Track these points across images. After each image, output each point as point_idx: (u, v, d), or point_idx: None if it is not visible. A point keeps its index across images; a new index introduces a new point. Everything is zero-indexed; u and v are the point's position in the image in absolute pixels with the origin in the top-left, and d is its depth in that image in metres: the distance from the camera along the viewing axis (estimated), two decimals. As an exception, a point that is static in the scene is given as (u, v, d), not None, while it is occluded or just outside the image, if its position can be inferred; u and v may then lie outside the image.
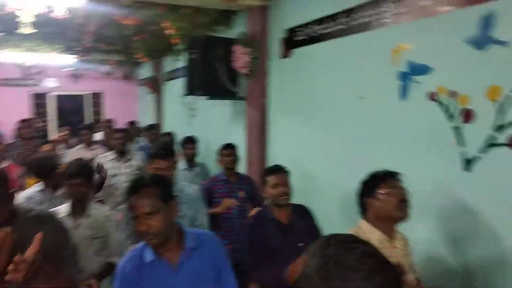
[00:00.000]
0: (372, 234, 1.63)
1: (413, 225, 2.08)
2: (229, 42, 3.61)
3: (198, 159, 4.13)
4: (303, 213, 2.19)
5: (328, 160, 2.81)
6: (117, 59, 6.76)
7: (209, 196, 3.00)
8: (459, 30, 1.84)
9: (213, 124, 4.63)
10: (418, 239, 2.07)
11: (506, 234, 1.71)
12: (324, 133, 2.85)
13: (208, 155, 4.29)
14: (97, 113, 8.94)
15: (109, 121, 6.41)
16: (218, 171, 3.19)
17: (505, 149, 1.69)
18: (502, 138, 1.70)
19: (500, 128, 1.70)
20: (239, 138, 3.78)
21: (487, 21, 1.73)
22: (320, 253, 0.79)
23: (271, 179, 2.16)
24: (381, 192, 1.65)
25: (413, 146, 2.13)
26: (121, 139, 3.79)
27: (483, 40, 1.75)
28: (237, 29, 3.72)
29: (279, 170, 2.22)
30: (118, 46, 5.58)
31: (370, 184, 1.71)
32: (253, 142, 3.64)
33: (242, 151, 3.67)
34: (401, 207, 1.63)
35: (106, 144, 4.83)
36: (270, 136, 3.56)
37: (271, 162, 3.54)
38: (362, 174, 1.75)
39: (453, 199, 1.92)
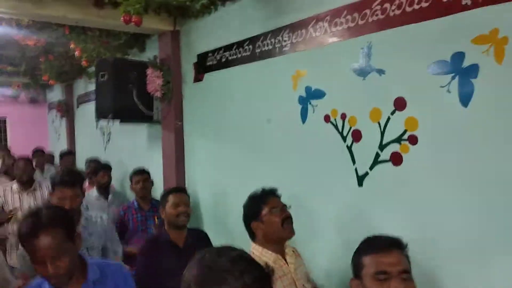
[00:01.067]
0: (265, 257, 1.66)
1: (317, 238, 2.24)
2: (142, 65, 3.58)
3: (116, 187, 3.98)
4: (200, 237, 2.22)
5: (241, 180, 2.89)
6: (22, 82, 6.28)
7: (123, 226, 2.91)
8: (346, 59, 2.05)
9: (129, 149, 4.49)
10: (322, 250, 2.22)
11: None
12: (236, 154, 2.92)
13: (125, 182, 4.14)
14: (-1, 140, 8.17)
15: (6, 148, 5.89)
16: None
17: (388, 165, 1.89)
18: (385, 155, 1.91)
19: (383, 146, 1.91)
20: (156, 162, 3.72)
21: (367, 52, 1.96)
22: (196, 263, 0.85)
23: (171, 198, 2.19)
24: (263, 214, 1.69)
25: (315, 165, 2.29)
26: (24, 168, 3.51)
27: (364, 68, 1.97)
28: (149, 53, 3.70)
29: (180, 190, 2.27)
30: (22, 67, 5.19)
31: (252, 207, 1.74)
32: (170, 166, 3.60)
33: (159, 176, 3.62)
34: (286, 224, 1.69)
35: (9, 173, 4.43)
36: (187, 159, 3.55)
37: (189, 185, 3.53)
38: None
39: (350, 212, 2.10)
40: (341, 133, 2.12)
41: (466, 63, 1.59)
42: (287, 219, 1.71)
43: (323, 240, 2.23)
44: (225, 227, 3.02)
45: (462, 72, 1.60)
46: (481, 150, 1.56)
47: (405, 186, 1.83)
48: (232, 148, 2.97)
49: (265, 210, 1.69)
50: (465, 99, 1.59)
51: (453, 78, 1.63)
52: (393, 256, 1.14)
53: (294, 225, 1.75)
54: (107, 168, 3.69)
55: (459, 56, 1.61)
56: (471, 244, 1.59)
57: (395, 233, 1.84)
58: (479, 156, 1.56)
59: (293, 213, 1.88)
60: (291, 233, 1.72)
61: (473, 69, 1.56)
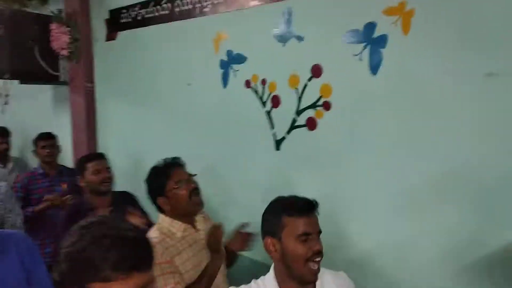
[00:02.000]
0: (174, 228, 1.63)
1: (237, 202, 2.29)
2: (44, 19, 3.20)
3: (16, 153, 3.60)
4: (126, 200, 2.14)
5: (160, 147, 2.80)
6: None
7: (27, 193, 2.66)
8: (267, 24, 2.05)
9: (31, 112, 4.06)
10: (242, 214, 2.27)
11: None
12: (154, 120, 2.81)
13: (27, 148, 3.76)
14: None
15: None
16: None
17: (304, 129, 1.98)
18: (301, 120, 1.98)
19: (300, 111, 1.99)
20: (64, 127, 3.43)
21: (287, 18, 1.98)
22: (68, 238, 0.81)
23: (91, 166, 2.08)
24: (169, 189, 1.60)
25: (236, 130, 2.30)
26: None
27: (284, 34, 1.99)
28: (53, 6, 3.31)
29: (99, 156, 2.16)
30: None
31: (156, 183, 1.64)
32: (80, 131, 3.34)
33: (67, 142, 3.35)
34: (193, 196, 1.62)
35: None
36: (99, 124, 3.33)
37: (103, 151, 3.32)
38: (190, 160, 1.79)
39: (269, 175, 2.17)
40: (261, 99, 2.14)
41: (376, 33, 1.69)
42: (194, 191, 1.64)
43: (243, 204, 2.28)
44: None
45: (373, 41, 1.70)
46: (388, 115, 1.69)
47: (319, 150, 1.93)
48: (150, 113, 2.85)
49: (170, 185, 1.60)
50: (374, 67, 1.70)
51: (365, 47, 1.73)
52: (314, 218, 1.20)
53: (215, 189, 1.75)
54: (4, 133, 3.31)
55: (370, 26, 1.70)
56: (381, 202, 1.74)
57: (310, 193, 1.96)
58: (386, 121, 1.70)
59: (214, 178, 1.89)
60: (200, 205, 1.67)
61: (383, 39, 1.67)
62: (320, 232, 1.21)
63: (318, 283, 1.24)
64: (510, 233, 1.40)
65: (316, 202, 1.23)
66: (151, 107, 2.83)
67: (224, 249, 1.71)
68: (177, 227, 1.63)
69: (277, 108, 2.08)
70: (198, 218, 1.74)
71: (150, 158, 2.87)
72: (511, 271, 1.41)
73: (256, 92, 2.16)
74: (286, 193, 2.05)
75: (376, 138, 1.73)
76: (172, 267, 1.53)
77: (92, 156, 2.20)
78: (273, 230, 1.21)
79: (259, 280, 1.28)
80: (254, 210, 2.22)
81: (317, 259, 1.17)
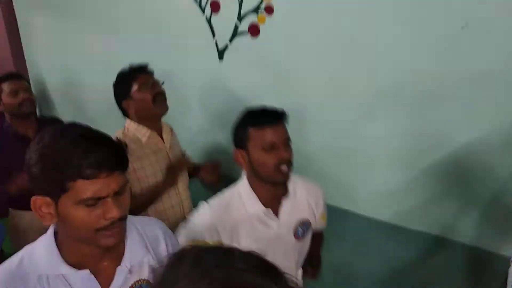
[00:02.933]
0: (139, 132, 1.65)
1: (182, 113, 2.26)
2: None
3: None
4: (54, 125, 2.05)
5: (96, 63, 2.61)
6: None
7: None
8: None
9: None
10: (189, 125, 2.27)
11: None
12: (87, 34, 2.58)
13: None
14: None
15: None
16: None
17: (246, 37, 1.90)
18: (244, 26, 1.90)
19: (241, 17, 1.89)
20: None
21: None
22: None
23: (6, 87, 1.94)
24: (133, 92, 1.61)
25: (175, 39, 2.17)
26: None
27: None
28: None
29: (13, 76, 2.01)
30: None
31: (121, 86, 1.64)
32: (2, 49, 3.01)
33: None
34: (158, 101, 1.64)
35: None
36: (25, 40, 3.00)
37: (32, 70, 3.06)
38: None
39: (213, 86, 2.12)
40: (199, 4, 2.00)
41: None
42: (159, 95, 1.65)
43: (191, 115, 2.26)
44: (84, 113, 2.81)
45: None
46: (334, 20, 1.65)
47: (263, 57, 1.89)
48: (82, 27, 2.59)
49: (134, 88, 1.61)
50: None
51: None
52: (280, 128, 1.20)
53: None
54: None
55: None
56: (332, 110, 1.78)
57: (256, 101, 1.96)
58: (330, 25, 1.66)
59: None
60: (164, 108, 1.68)
61: None
62: (288, 139, 1.22)
63: (290, 186, 1.28)
64: (460, 136, 1.48)
65: (283, 112, 1.23)
66: (82, 21, 2.57)
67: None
68: (142, 132, 1.65)
69: (217, 14, 1.96)
70: (166, 129, 1.76)
71: (84, 75, 2.72)
72: (463, 172, 1.52)
73: (194, -3, 2.00)
74: (229, 105, 2.07)
75: (323, 45, 1.69)
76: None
77: (6, 76, 2.00)
78: (241, 142, 1.22)
79: (232, 189, 1.30)
80: (202, 123, 2.24)
81: (287, 167, 1.19)
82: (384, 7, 1.50)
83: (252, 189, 1.26)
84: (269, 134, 1.18)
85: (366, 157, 1.72)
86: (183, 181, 1.81)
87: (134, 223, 0.96)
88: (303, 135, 1.86)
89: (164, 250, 0.99)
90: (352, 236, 1.88)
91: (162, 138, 1.73)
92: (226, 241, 1.22)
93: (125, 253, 0.91)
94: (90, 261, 0.86)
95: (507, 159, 1.41)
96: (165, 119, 1.80)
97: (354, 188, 1.81)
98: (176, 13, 2.11)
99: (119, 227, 0.83)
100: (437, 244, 1.65)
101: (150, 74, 1.68)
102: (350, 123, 1.72)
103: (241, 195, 1.26)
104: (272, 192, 1.26)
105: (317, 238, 1.51)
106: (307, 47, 1.74)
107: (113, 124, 1.72)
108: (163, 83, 1.70)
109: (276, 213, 1.28)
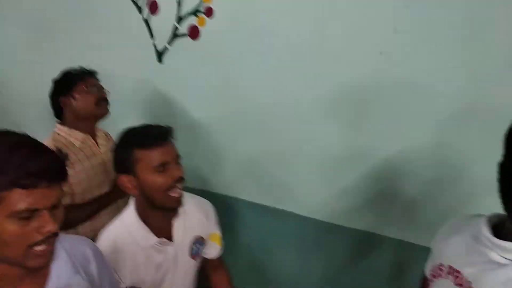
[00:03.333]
0: (72, 137, 1.59)
1: (121, 119, 2.16)
2: None
3: None
4: None
5: (20, 64, 2.42)
6: None
7: None
8: None
9: None
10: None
11: (199, 120, 2.01)
12: (18, 39, 2.38)
13: None
14: None
15: None
16: None
17: (186, 39, 1.86)
18: (183, 28, 1.86)
19: (181, 19, 1.84)
20: None
21: None
22: None
23: None
24: (77, 90, 1.57)
25: (112, 39, 2.07)
26: None
27: None
28: None
29: None
30: None
31: (65, 82, 1.59)
32: None
33: None
34: (100, 104, 1.61)
35: None
36: None
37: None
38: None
39: (151, 89, 2.05)
40: (136, 4, 1.93)
41: None
42: (103, 99, 1.62)
43: (130, 120, 2.16)
44: (8, 117, 2.60)
45: None
46: (270, 23, 1.66)
47: (204, 59, 1.86)
48: (7, 27, 2.39)
49: (80, 86, 1.56)
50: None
51: None
52: (169, 145, 1.14)
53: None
54: None
55: None
56: (271, 114, 1.79)
57: (199, 106, 1.93)
58: (270, 28, 1.67)
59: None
60: (105, 110, 1.63)
61: None
62: (178, 156, 1.16)
63: (180, 208, 1.22)
64: (389, 146, 1.55)
65: (169, 129, 1.17)
66: (11, 19, 2.37)
67: None
68: (75, 136, 1.59)
69: (156, 15, 1.90)
70: (101, 134, 1.71)
71: (12, 77, 2.51)
72: (390, 178, 1.60)
73: (130, -4, 1.93)
74: (170, 109, 2.01)
75: (264, 48, 1.69)
76: None
77: None
78: (126, 166, 1.13)
79: (118, 221, 1.22)
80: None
81: (179, 185, 1.14)
82: (323, 15, 1.54)
83: (142, 218, 1.18)
84: (159, 154, 1.11)
85: (305, 160, 1.76)
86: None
87: (62, 241, 0.88)
88: (244, 138, 1.87)
89: (94, 271, 0.93)
90: (292, 236, 1.91)
91: (96, 143, 1.67)
92: (127, 274, 1.17)
93: (50, 276, 0.83)
94: (8, 284, 0.77)
95: (424, 170, 1.51)
96: (102, 125, 1.72)
97: (293, 189, 1.84)
98: (113, 13, 2.01)
99: (52, 243, 0.76)
100: (370, 239, 1.73)
101: (98, 80, 1.65)
102: (290, 127, 1.75)
103: (129, 228, 1.18)
104: (163, 217, 1.21)
105: (221, 274, 1.45)
106: (248, 50, 1.74)
107: (41, 130, 1.61)
108: (108, 92, 1.66)
109: (169, 236, 1.23)
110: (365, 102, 1.55)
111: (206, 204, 1.37)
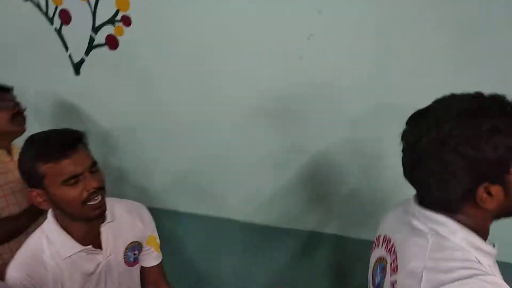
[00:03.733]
0: None
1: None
2: None
3: None
4: None
5: None
6: None
7: None
8: None
9: None
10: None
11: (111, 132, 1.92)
12: None
13: None
14: None
15: None
16: None
17: (104, 49, 1.78)
18: (100, 38, 1.77)
19: (97, 28, 1.76)
20: None
21: None
22: None
23: None
24: None
25: (23, 53, 1.93)
26: None
27: None
28: None
29: None
30: None
31: None
32: None
33: None
34: (16, 120, 1.51)
35: None
36: None
37: None
38: None
39: (66, 105, 1.94)
40: (45, 14, 1.80)
41: None
42: (18, 115, 1.52)
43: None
44: None
45: None
46: (189, 28, 1.64)
47: (124, 69, 1.79)
48: None
49: None
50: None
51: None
52: (79, 155, 1.02)
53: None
54: None
55: None
56: (209, 118, 1.76)
57: (121, 115, 1.85)
58: (190, 34, 1.64)
59: None
60: (21, 127, 1.53)
61: None
62: (93, 164, 1.05)
63: (107, 211, 1.14)
64: (315, 146, 1.59)
65: (78, 133, 1.06)
66: None
67: None
68: None
69: (69, 25, 1.80)
70: (16, 150, 1.60)
71: None
72: (322, 177, 1.64)
73: (37, 5, 1.80)
74: (91, 122, 1.90)
75: (187, 53, 1.66)
76: None
77: None
78: (33, 181, 1.02)
79: (36, 235, 1.13)
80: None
81: (97, 196, 1.05)
82: (238, 22, 1.55)
83: (63, 228, 1.10)
84: (67, 166, 0.99)
85: (237, 164, 1.76)
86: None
87: None
88: (175, 145, 1.83)
89: None
90: (233, 242, 1.90)
91: (11, 155, 1.58)
92: None
93: None
94: None
95: (351, 166, 1.59)
96: (18, 140, 1.59)
97: (227, 196, 1.83)
98: (20, 22, 1.87)
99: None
100: (309, 238, 1.77)
101: (11, 94, 1.55)
102: (222, 132, 1.74)
103: (50, 240, 1.09)
104: (86, 226, 1.11)
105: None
106: (170, 56, 1.70)
107: None
108: (25, 107, 1.57)
109: (98, 244, 1.15)
110: (288, 105, 1.59)
111: (139, 207, 1.29)
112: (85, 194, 1.02)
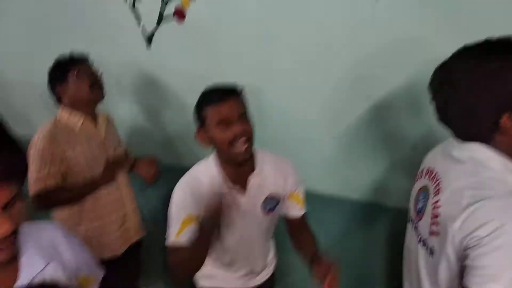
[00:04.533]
0: (72, 121, 1.66)
1: (116, 104, 2.20)
2: None
3: None
4: None
5: (14, 56, 2.45)
6: None
7: None
8: None
9: None
10: (123, 115, 2.22)
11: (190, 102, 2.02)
12: None
13: None
14: None
15: None
16: None
17: (173, 22, 1.87)
18: (169, 10, 1.86)
19: (166, 1, 1.85)
20: None
21: None
22: None
23: None
24: (70, 78, 1.62)
25: (98, 26, 2.09)
26: None
27: None
28: None
29: None
30: None
31: (58, 71, 1.65)
32: None
33: None
34: (94, 88, 1.66)
35: None
36: None
37: None
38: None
39: (143, 75, 2.08)
40: (120, -10, 1.93)
41: None
42: (96, 83, 1.67)
43: (124, 106, 2.21)
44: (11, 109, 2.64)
45: None
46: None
47: (192, 41, 1.87)
48: (11, 25, 2.41)
49: (72, 74, 1.62)
50: None
51: None
52: (231, 103, 1.18)
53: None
54: None
55: None
56: (269, 78, 1.78)
57: (191, 86, 1.94)
58: (254, 6, 1.67)
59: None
60: (100, 95, 1.69)
61: None
62: (243, 114, 1.20)
63: (258, 162, 1.30)
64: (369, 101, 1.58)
65: (234, 87, 1.22)
66: (8, 11, 2.39)
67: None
68: (75, 120, 1.66)
69: (141, 0, 1.91)
70: (102, 117, 1.77)
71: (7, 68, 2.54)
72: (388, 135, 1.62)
73: (113, -17, 1.93)
74: (162, 93, 2.03)
75: (250, 26, 1.69)
76: (54, 160, 1.56)
77: None
78: (201, 122, 1.23)
79: (199, 166, 1.31)
80: (137, 114, 2.19)
81: (242, 140, 1.18)
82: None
83: (219, 166, 1.27)
84: (221, 110, 1.17)
85: (301, 130, 1.77)
86: (123, 176, 1.80)
87: (30, 232, 0.88)
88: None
89: (67, 256, 0.94)
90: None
91: (96, 125, 1.73)
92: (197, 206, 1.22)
93: (21, 271, 0.83)
94: None
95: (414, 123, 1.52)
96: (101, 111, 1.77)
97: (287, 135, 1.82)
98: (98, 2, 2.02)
99: (8, 243, 0.75)
100: (370, 209, 1.76)
101: (89, 65, 1.69)
102: (285, 98, 1.76)
103: (208, 173, 1.27)
104: (237, 168, 1.26)
105: (303, 235, 1.43)
106: (236, 25, 1.74)
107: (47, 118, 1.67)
108: (101, 74, 1.71)
109: (243, 189, 1.29)
110: (358, 69, 1.56)
111: (286, 164, 1.38)
112: (230, 137, 1.17)
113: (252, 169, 1.30)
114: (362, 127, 1.64)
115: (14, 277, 0.82)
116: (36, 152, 1.55)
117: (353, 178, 1.76)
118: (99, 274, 1.11)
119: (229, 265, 1.42)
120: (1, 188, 0.70)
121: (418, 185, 1.08)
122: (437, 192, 0.94)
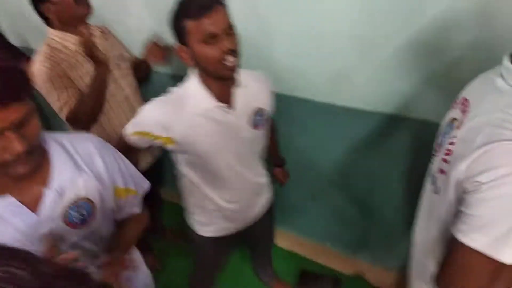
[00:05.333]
0: (66, 41, 1.57)
1: (124, 12, 1.99)
2: None
3: None
4: None
5: None
6: None
7: None
8: None
9: None
10: (130, 26, 2.03)
11: None
12: None
13: None
14: None
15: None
16: None
17: None
18: None
19: None
20: None
21: None
22: None
23: None
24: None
25: None
26: None
27: None
28: None
29: None
30: None
31: None
32: None
33: None
34: (80, 3, 1.51)
35: None
36: None
37: None
38: None
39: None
40: None
41: None
42: None
43: (131, 13, 2.02)
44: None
45: None
46: None
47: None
48: None
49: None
50: None
51: None
52: (216, 16, 1.04)
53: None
54: None
55: None
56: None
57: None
58: None
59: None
60: (86, 8, 1.54)
61: None
62: (230, 27, 1.08)
63: (240, 76, 1.25)
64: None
65: None
66: None
67: (139, 63, 1.82)
68: (69, 39, 1.56)
69: None
70: (96, 32, 1.66)
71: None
72: (418, 48, 1.42)
73: None
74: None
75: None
76: (65, 82, 1.50)
77: None
78: (180, 37, 1.11)
79: (182, 86, 1.24)
80: (139, 21, 1.98)
81: (230, 58, 1.09)
82: None
83: (203, 84, 1.20)
84: (206, 25, 1.04)
85: (319, 40, 1.59)
86: (125, 79, 1.73)
87: (61, 140, 0.90)
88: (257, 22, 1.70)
89: (100, 166, 0.95)
90: (309, 122, 1.88)
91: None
92: (179, 138, 1.21)
93: (52, 174, 0.86)
94: (12, 188, 0.82)
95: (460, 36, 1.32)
96: (103, 20, 1.61)
97: (307, 74, 1.72)
98: None
99: (25, 159, 0.77)
100: (392, 122, 1.67)
101: None
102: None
103: (192, 92, 1.20)
104: (223, 85, 1.21)
105: (273, 139, 1.57)
106: None
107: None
108: None
109: (230, 105, 1.25)
110: None
111: (263, 76, 1.38)
112: (220, 53, 1.07)
113: (234, 84, 1.25)
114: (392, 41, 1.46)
115: (43, 183, 0.86)
116: (44, 83, 1.47)
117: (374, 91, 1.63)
118: (141, 186, 1.14)
119: (225, 198, 1.42)
120: (11, 108, 0.71)
121: (449, 115, 0.96)
122: (458, 127, 0.83)
